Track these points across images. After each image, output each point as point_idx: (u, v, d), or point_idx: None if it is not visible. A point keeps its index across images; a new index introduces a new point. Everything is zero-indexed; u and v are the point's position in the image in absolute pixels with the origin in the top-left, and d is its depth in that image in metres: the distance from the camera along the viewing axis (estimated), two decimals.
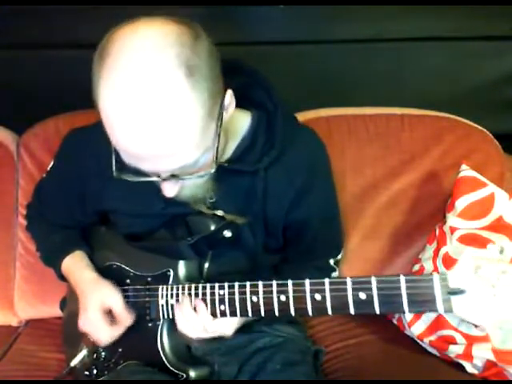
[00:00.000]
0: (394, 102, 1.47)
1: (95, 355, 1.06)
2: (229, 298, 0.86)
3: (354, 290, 0.73)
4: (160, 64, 0.67)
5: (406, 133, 1.40)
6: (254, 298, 0.83)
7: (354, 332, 1.29)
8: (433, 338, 1.17)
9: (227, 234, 0.94)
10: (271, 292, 0.81)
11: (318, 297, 0.76)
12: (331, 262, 1.07)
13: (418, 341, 1.21)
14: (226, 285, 0.87)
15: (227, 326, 0.92)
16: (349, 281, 0.73)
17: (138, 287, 1.02)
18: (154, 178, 0.79)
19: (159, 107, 0.68)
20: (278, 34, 1.59)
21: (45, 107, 1.43)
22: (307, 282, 0.78)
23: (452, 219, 1.23)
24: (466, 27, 1.59)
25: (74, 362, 1.08)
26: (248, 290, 0.84)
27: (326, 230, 1.06)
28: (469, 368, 1.12)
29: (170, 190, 0.81)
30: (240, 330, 0.97)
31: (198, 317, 0.89)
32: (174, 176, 0.78)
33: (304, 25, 1.58)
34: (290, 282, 0.80)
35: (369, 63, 1.63)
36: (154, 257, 1.00)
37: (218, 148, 0.78)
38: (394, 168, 1.38)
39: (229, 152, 0.93)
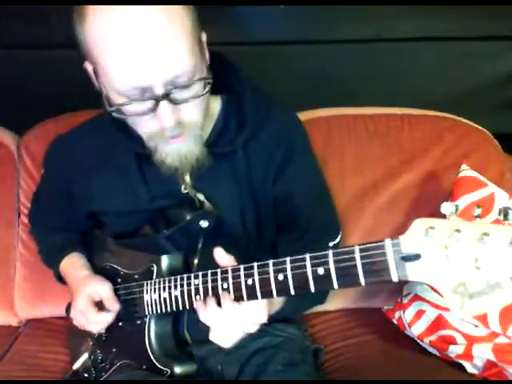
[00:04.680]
0: (394, 101, 1.47)
1: (93, 357, 1.07)
2: (203, 287, 0.84)
3: (312, 265, 0.72)
4: None
5: (405, 133, 1.39)
6: (225, 285, 0.81)
7: (354, 332, 1.29)
8: (433, 338, 1.18)
9: (203, 224, 0.92)
10: (239, 276, 0.79)
11: (280, 277, 0.75)
12: (330, 244, 1.04)
13: (418, 341, 1.21)
14: (209, 272, 0.84)
15: (257, 309, 0.83)
16: (307, 257, 0.73)
17: (127, 285, 1.02)
18: (149, 103, 0.80)
19: (153, 15, 0.75)
20: (277, 34, 1.59)
21: (45, 107, 1.42)
22: (271, 262, 0.77)
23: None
24: (466, 27, 1.59)
25: (76, 366, 1.09)
26: (219, 277, 0.82)
27: (317, 207, 1.05)
28: (469, 368, 1.12)
29: (167, 115, 0.80)
30: None
31: (222, 310, 0.82)
32: (169, 99, 0.79)
33: (304, 25, 1.58)
34: (255, 264, 0.78)
35: (369, 63, 1.63)
36: (139, 254, 1.00)
37: (205, 78, 0.83)
38: (394, 168, 1.38)
39: (204, 137, 0.93)
